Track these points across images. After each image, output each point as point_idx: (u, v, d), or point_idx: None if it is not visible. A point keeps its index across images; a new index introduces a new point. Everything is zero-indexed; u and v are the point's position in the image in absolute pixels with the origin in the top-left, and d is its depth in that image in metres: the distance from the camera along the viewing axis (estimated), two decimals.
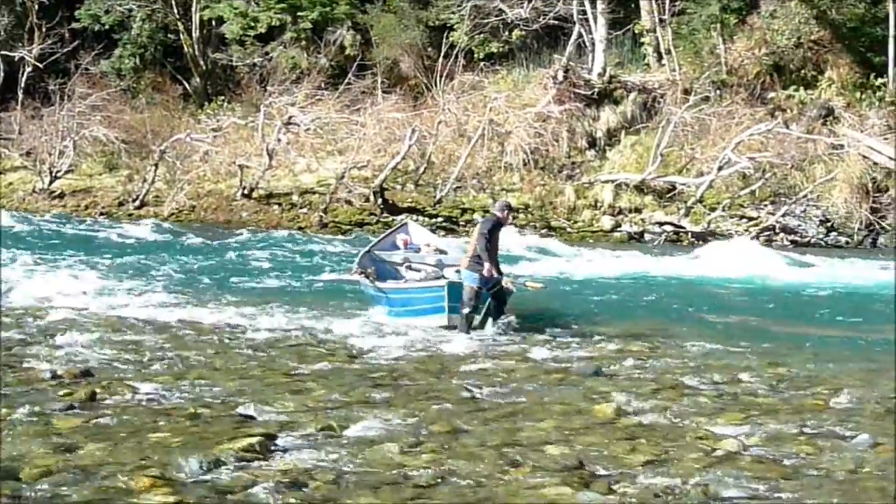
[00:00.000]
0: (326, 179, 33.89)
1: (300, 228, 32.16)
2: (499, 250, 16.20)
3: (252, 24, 40.83)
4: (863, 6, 36.58)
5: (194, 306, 17.45)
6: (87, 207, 35.02)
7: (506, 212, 16.47)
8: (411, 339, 14.68)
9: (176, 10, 42.06)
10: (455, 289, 15.69)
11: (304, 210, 33.50)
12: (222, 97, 40.74)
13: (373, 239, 22.92)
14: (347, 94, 36.80)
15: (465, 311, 15.40)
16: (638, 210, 32.98)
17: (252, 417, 9.39)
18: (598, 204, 33.33)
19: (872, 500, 7.34)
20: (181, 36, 42.27)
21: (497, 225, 16.04)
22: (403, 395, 10.57)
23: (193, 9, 41.71)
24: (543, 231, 31.70)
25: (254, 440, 8.34)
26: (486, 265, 15.44)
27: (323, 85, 37.39)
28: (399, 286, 17.29)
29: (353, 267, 18.52)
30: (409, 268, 18.23)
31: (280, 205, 33.91)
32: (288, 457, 8.08)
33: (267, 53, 40.81)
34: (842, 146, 32.72)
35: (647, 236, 32.02)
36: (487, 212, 32.78)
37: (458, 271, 16.22)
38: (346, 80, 37.42)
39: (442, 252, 19.64)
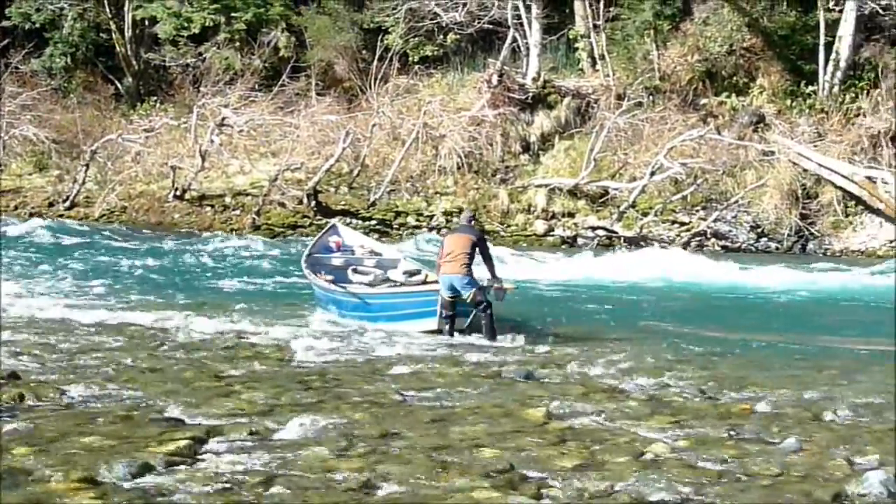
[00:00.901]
0: (260, 181, 33.74)
1: (233, 230, 31.99)
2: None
3: (185, 24, 40.48)
4: (794, 14, 37.07)
5: (124, 308, 17.32)
6: (16, 208, 34.54)
7: (473, 222, 16.90)
8: (343, 342, 14.66)
9: (108, 10, 41.59)
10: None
11: (237, 212, 33.32)
12: (155, 98, 40.41)
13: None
14: (281, 96, 36.62)
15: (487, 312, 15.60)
16: (571, 214, 33.16)
17: (181, 421, 9.31)
18: (532, 208, 33.45)
19: (796, 503, 7.42)
20: (113, 35, 41.80)
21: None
22: (334, 399, 10.53)
23: (126, 8, 41.27)
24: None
25: (182, 444, 8.26)
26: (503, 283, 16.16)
27: (257, 86, 37.18)
28: (381, 291, 17.10)
29: (305, 272, 18.33)
30: (356, 271, 18.07)
31: (213, 206, 33.69)
32: (217, 460, 8.01)
33: (200, 54, 40.50)
34: (772, 153, 33.17)
35: (579, 241, 32.20)
36: (419, 215, 32.83)
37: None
38: (279, 82, 37.21)
39: (377, 254, 19.59)
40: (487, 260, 16.12)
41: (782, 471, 8.33)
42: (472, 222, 16.84)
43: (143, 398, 10.26)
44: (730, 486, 7.86)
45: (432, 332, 15.70)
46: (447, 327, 15.69)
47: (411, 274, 17.61)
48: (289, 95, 36.89)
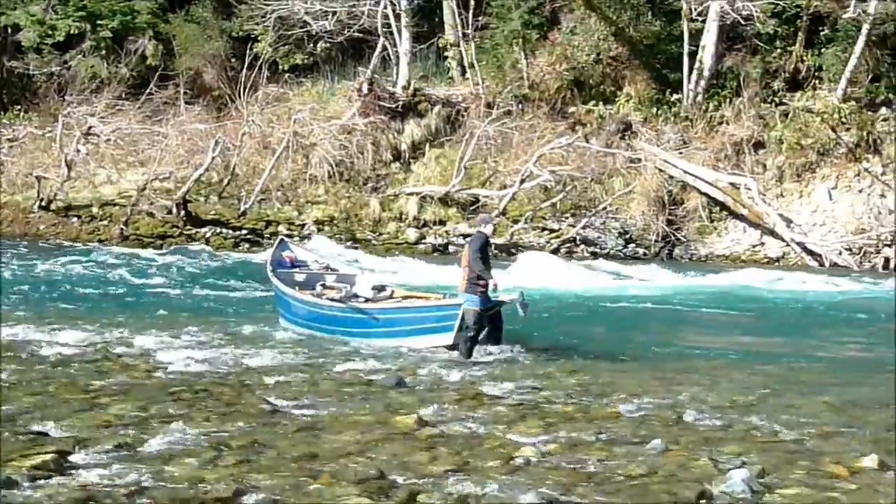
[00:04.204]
0: (128, 191, 33.23)
1: (100, 241, 31.47)
2: (491, 266, 15.72)
3: (50, 31, 39.60)
4: (659, 24, 37.74)
5: None
6: None
7: (490, 225, 16.34)
8: (212, 352, 14.50)
9: None
10: None
11: (105, 222, 32.76)
12: (18, 106, 39.43)
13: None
14: (149, 105, 36.20)
15: (470, 334, 14.99)
16: (442, 222, 33.31)
17: (46, 434, 9.13)
18: (403, 216, 33.53)
19: (662, 502, 7.57)
20: None
21: (486, 241, 15.76)
22: (203, 409, 10.43)
23: None
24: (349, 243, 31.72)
25: (47, 457, 8.10)
26: (491, 280, 15.18)
27: (124, 95, 36.65)
28: (392, 307, 16.64)
29: (283, 289, 17.88)
30: (324, 286, 17.64)
31: (79, 217, 33.08)
32: (83, 474, 7.88)
33: (65, 62, 39.68)
34: (639, 160, 33.78)
35: (451, 248, 32.33)
36: (290, 224, 32.69)
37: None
38: (147, 91, 36.75)
39: (333, 269, 19.21)
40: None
41: (649, 471, 8.49)
42: (484, 227, 16.06)
43: (7, 412, 10.03)
44: (597, 488, 7.98)
45: (449, 347, 15.28)
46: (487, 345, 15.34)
47: (378, 289, 17.27)
48: (157, 104, 36.48)
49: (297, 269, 19.00)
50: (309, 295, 17.32)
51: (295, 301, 17.48)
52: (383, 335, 16.04)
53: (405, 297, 17.14)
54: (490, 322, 15.48)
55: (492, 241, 16.39)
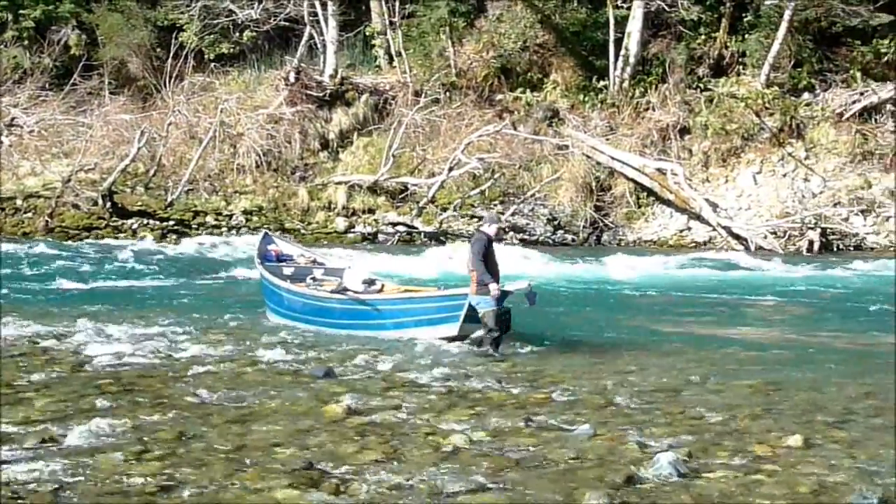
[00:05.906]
0: (52, 183, 32.79)
1: (24, 234, 31.06)
2: (498, 266, 15.18)
3: None
4: (584, 11, 38.05)
5: None
6: None
7: (495, 226, 15.68)
8: (141, 345, 14.31)
9: None
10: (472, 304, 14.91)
11: (29, 215, 32.33)
12: None
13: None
14: (73, 95, 35.83)
15: (495, 335, 14.51)
16: (371, 211, 33.24)
17: None
18: (332, 205, 33.42)
19: (590, 486, 7.62)
20: None
21: (490, 242, 15.16)
22: (130, 403, 10.34)
23: None
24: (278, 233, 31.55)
25: None
26: (493, 285, 14.52)
27: (47, 85, 36.31)
28: (396, 297, 16.27)
29: (279, 283, 17.40)
30: (314, 279, 17.33)
31: (3, 209, 32.60)
32: (6, 470, 7.79)
33: None
34: (566, 147, 33.90)
35: (380, 237, 32.30)
36: (218, 215, 32.49)
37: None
38: (71, 81, 36.35)
39: (320, 263, 18.91)
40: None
41: (577, 456, 8.57)
42: (488, 227, 15.45)
43: None
44: (526, 473, 8.03)
45: (451, 338, 15.05)
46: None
47: (369, 283, 16.80)
48: (81, 94, 36.12)
49: (284, 263, 18.66)
50: (306, 287, 17.06)
51: (290, 294, 17.06)
52: (387, 327, 15.80)
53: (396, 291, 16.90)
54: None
55: (494, 241, 15.50)
